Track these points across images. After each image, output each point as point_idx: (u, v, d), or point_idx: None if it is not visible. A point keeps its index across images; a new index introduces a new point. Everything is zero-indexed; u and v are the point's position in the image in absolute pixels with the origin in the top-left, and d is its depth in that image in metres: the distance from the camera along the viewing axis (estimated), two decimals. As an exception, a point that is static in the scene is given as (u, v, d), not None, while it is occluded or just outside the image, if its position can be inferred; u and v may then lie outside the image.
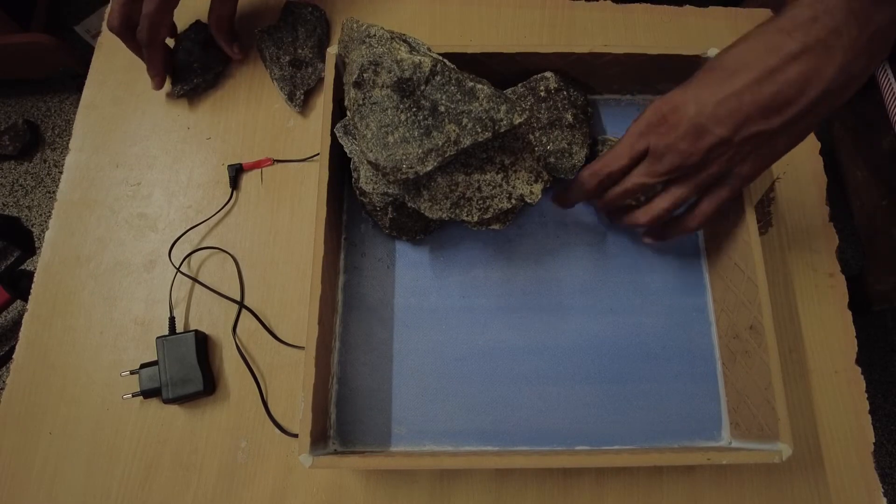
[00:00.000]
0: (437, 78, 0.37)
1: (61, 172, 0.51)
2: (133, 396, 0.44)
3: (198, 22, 0.54)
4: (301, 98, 0.52)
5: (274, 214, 0.50)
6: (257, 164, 0.51)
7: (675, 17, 0.57)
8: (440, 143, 0.37)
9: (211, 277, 0.48)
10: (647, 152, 0.39)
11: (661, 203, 0.40)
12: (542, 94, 0.46)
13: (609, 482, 0.44)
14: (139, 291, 0.48)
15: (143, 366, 0.45)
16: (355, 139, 0.43)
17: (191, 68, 0.52)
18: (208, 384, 0.44)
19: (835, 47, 0.32)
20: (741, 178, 0.38)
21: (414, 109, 0.37)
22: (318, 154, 0.43)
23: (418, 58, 0.37)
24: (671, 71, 0.48)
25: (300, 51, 0.53)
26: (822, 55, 0.32)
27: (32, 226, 1.26)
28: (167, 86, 0.54)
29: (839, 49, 0.32)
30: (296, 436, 0.44)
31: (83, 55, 1.27)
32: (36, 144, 1.33)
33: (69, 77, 1.30)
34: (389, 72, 0.37)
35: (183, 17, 0.55)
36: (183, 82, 0.52)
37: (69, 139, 0.52)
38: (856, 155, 0.86)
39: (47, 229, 0.50)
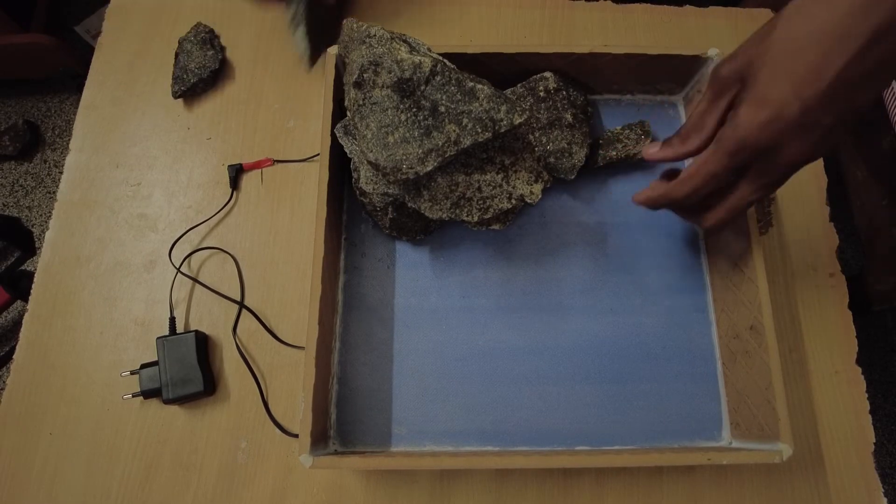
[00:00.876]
0: (438, 78, 0.37)
1: (61, 173, 0.51)
2: (133, 397, 0.44)
3: (198, 24, 0.54)
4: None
5: (274, 214, 0.50)
6: (257, 165, 0.51)
7: (675, 17, 0.57)
8: (440, 144, 0.37)
9: (211, 278, 0.48)
10: (744, 164, 0.35)
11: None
12: (542, 94, 0.46)
13: (609, 482, 0.44)
14: (139, 292, 0.48)
15: (143, 366, 0.45)
16: (355, 139, 0.43)
17: (188, 69, 0.52)
18: (208, 384, 0.44)
19: None
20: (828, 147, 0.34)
21: (414, 110, 0.37)
22: (318, 154, 0.43)
23: (418, 58, 0.37)
24: (671, 71, 0.48)
25: None
26: None
27: (33, 226, 1.26)
28: (167, 86, 0.54)
29: None
30: (296, 436, 0.44)
31: (83, 55, 1.27)
32: (36, 145, 1.33)
33: (69, 77, 1.30)
34: (389, 72, 0.37)
35: (188, 17, 0.56)
36: (181, 83, 0.52)
37: (69, 139, 0.52)
38: (856, 155, 0.86)
39: (47, 230, 0.50)
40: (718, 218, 0.38)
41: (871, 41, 0.28)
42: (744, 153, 0.33)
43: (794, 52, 0.31)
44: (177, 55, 0.53)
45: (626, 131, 0.48)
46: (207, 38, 0.53)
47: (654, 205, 0.41)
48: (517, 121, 0.37)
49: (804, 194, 0.51)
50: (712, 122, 0.37)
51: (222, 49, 0.54)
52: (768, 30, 0.32)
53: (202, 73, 0.52)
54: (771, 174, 0.34)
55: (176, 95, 0.52)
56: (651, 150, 0.41)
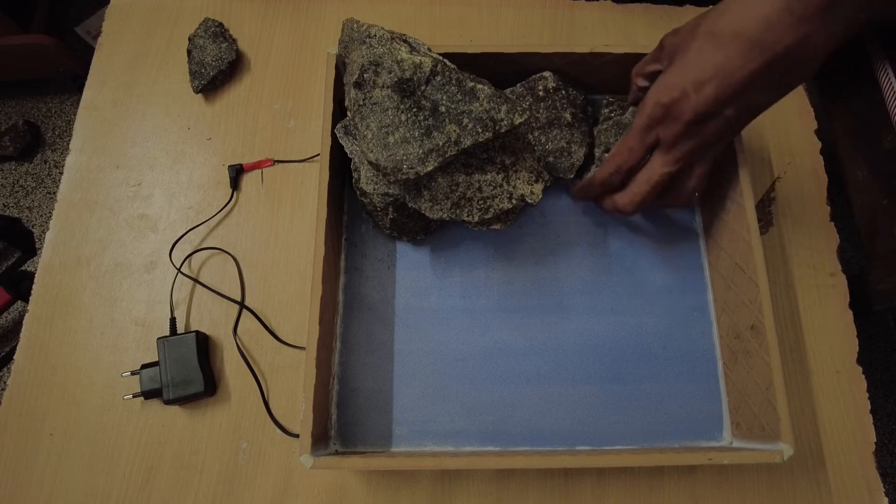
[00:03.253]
0: (438, 78, 0.37)
1: (62, 173, 0.51)
2: (134, 397, 0.44)
3: (206, 19, 0.54)
4: None
5: (274, 215, 0.50)
6: (258, 165, 0.51)
7: (675, 16, 0.57)
8: (441, 144, 0.37)
9: (211, 278, 0.48)
10: (657, 142, 0.39)
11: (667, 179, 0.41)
12: (541, 93, 0.46)
13: (610, 482, 0.44)
14: (140, 292, 0.48)
15: (143, 367, 0.45)
16: (356, 139, 0.43)
17: (204, 63, 0.52)
18: (209, 385, 0.44)
19: (831, 19, 0.32)
20: (733, 135, 0.39)
21: (414, 110, 0.37)
22: (318, 154, 0.43)
23: (419, 58, 0.37)
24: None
25: None
26: (818, 25, 0.32)
27: (33, 227, 1.26)
28: (167, 86, 0.54)
29: (834, 20, 0.32)
30: (297, 436, 0.44)
31: (83, 56, 1.27)
32: (36, 145, 1.33)
33: (69, 78, 1.30)
34: (390, 72, 0.37)
35: (189, 17, 0.56)
36: (200, 77, 0.52)
37: (69, 140, 0.52)
38: (856, 154, 0.86)
39: (48, 230, 0.50)
40: (635, 192, 0.41)
41: (777, 57, 0.32)
42: (653, 128, 0.38)
43: (705, 49, 0.34)
44: (189, 52, 0.53)
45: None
46: (219, 32, 0.53)
47: (584, 194, 0.45)
48: (517, 121, 0.37)
49: (804, 194, 0.51)
50: (647, 76, 0.41)
51: (234, 40, 0.54)
52: (706, 14, 0.35)
53: (220, 65, 0.52)
54: (675, 152, 0.38)
55: (197, 90, 0.52)
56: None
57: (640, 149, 0.40)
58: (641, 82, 0.42)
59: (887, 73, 0.54)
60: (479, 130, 0.37)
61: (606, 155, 0.46)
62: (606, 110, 0.48)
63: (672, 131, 0.37)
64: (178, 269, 0.48)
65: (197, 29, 0.54)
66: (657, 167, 0.40)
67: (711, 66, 0.34)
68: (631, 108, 0.47)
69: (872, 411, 0.46)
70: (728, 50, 0.34)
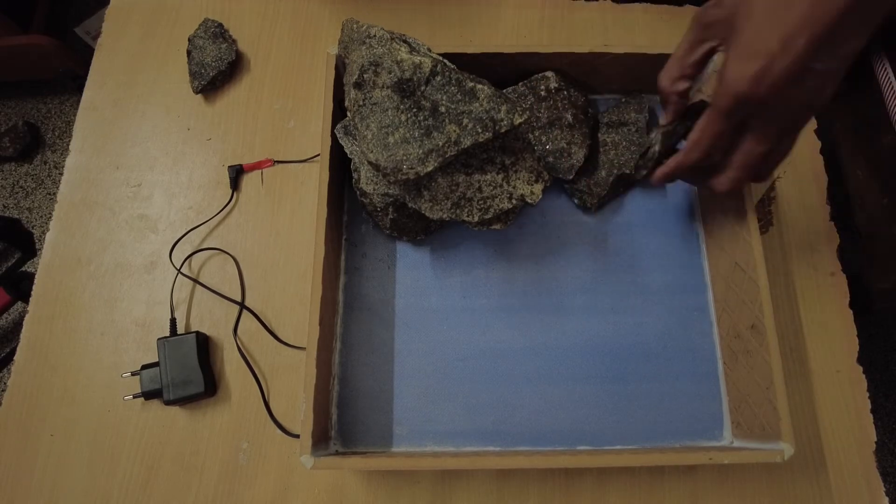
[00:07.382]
0: (438, 78, 0.37)
1: (62, 174, 0.51)
2: (134, 398, 0.44)
3: (206, 20, 0.54)
4: None
5: (274, 215, 0.50)
6: (258, 165, 0.51)
7: (675, 16, 0.57)
8: (441, 144, 0.37)
9: (212, 278, 0.48)
10: (745, 120, 0.35)
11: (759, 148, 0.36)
12: (543, 93, 0.46)
13: (611, 482, 0.44)
14: (140, 293, 0.48)
15: (144, 367, 0.45)
16: (356, 140, 0.43)
17: (204, 63, 0.52)
18: (209, 385, 0.44)
19: None
20: (825, 97, 0.34)
21: (414, 110, 0.37)
22: (318, 155, 0.43)
23: (418, 58, 0.37)
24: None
25: None
26: None
27: (33, 227, 1.26)
28: (167, 87, 0.54)
29: None
30: (297, 437, 0.44)
31: (83, 57, 1.27)
32: (36, 146, 1.33)
33: (69, 79, 1.30)
34: (390, 72, 0.37)
35: (188, 17, 0.56)
36: (199, 78, 0.52)
37: (69, 141, 0.52)
38: (856, 154, 0.86)
39: (48, 231, 0.50)
40: (733, 178, 0.38)
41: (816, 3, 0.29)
42: (740, 109, 0.33)
43: (782, 2, 0.30)
44: (189, 52, 0.53)
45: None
46: (218, 32, 0.53)
47: (670, 178, 0.42)
48: (517, 121, 0.37)
49: (804, 194, 0.51)
50: (691, 67, 0.38)
51: (234, 41, 0.54)
52: None
53: (220, 65, 0.52)
54: (773, 123, 0.34)
55: (197, 91, 0.53)
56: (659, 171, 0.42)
57: (728, 133, 0.36)
58: (681, 85, 0.38)
59: (887, 73, 0.54)
60: (479, 130, 0.37)
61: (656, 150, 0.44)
62: (613, 113, 0.48)
63: (764, 105, 0.33)
64: (179, 270, 0.48)
65: (197, 29, 0.54)
66: (754, 149, 0.36)
67: (797, 15, 0.29)
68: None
69: (872, 411, 0.46)
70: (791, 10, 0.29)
